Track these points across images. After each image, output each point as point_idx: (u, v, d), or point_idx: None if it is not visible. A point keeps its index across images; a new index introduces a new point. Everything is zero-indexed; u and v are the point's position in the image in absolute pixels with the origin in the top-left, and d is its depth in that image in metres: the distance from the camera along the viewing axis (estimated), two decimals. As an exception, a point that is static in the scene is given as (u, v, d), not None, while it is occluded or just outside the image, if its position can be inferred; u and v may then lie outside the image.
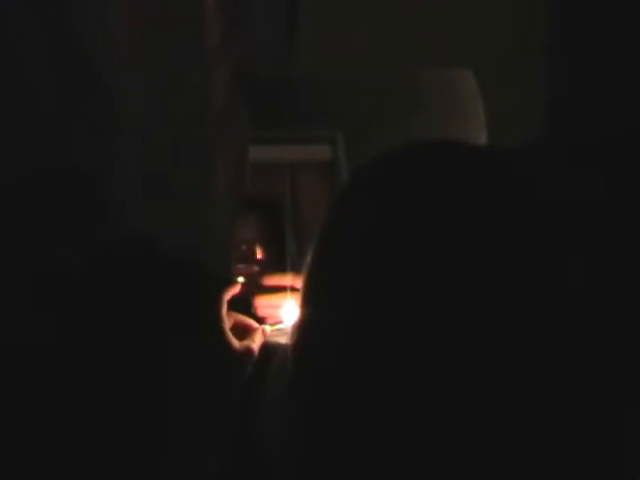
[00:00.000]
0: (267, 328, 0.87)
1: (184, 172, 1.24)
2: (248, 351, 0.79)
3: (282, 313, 0.90)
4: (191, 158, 1.25)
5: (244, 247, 1.27)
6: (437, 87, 1.29)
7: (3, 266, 1.08)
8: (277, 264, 1.20)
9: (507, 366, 0.41)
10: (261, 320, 0.91)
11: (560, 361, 0.41)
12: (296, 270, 1.14)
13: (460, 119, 1.26)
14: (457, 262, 0.42)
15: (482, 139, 1.24)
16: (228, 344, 0.79)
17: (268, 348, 0.82)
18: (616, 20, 1.34)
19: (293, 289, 0.88)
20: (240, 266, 1.19)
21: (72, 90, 1.26)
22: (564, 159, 0.47)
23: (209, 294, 0.95)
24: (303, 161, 1.29)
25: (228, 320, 0.83)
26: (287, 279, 0.87)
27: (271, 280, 0.90)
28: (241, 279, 1.13)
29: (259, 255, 1.21)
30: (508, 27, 1.34)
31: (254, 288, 1.02)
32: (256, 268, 1.19)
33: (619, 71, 1.31)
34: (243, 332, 0.84)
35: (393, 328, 0.42)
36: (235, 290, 0.87)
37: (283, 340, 0.97)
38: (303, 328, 0.49)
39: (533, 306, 0.41)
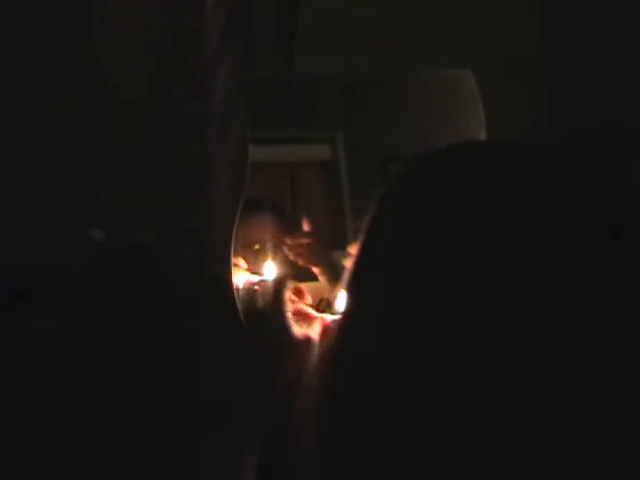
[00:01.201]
0: (326, 317, 0.87)
1: (184, 173, 1.24)
2: (309, 339, 0.79)
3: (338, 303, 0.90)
4: (191, 158, 1.25)
5: (257, 247, 1.27)
6: (437, 87, 1.29)
7: (3, 266, 1.08)
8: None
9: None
10: (320, 309, 0.92)
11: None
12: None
13: (460, 119, 1.26)
14: (503, 262, 0.42)
15: (482, 139, 1.24)
16: (291, 333, 0.78)
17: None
18: (616, 19, 1.34)
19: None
20: (289, 237, 1.19)
21: (72, 90, 1.26)
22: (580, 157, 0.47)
23: (209, 293, 0.96)
24: (303, 161, 1.29)
25: (288, 309, 0.83)
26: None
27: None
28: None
29: (306, 227, 1.21)
30: (508, 27, 1.34)
31: (305, 258, 1.07)
32: (305, 240, 1.20)
33: (619, 70, 1.31)
34: (302, 321, 0.84)
35: (442, 319, 0.42)
36: (289, 284, 0.87)
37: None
38: (352, 317, 0.49)
39: (569, 302, 0.41)
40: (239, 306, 1.14)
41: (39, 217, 1.18)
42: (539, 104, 1.33)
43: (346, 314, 0.50)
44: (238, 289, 1.17)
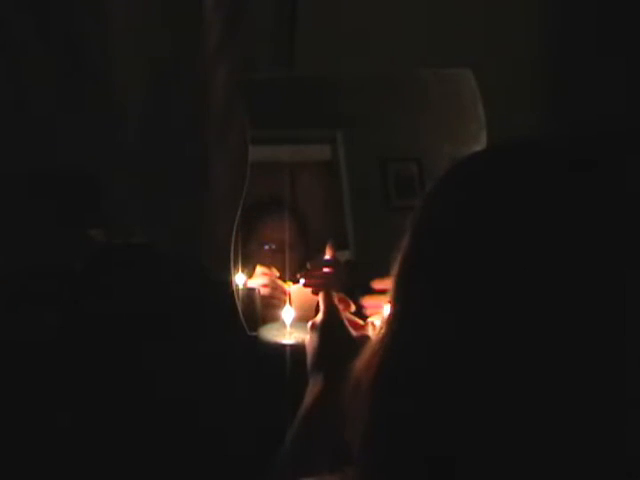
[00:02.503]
0: (375, 322, 0.88)
1: (184, 172, 1.24)
2: (366, 338, 0.80)
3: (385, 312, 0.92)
4: (191, 158, 1.25)
5: (267, 247, 1.27)
6: (437, 87, 1.29)
7: (3, 266, 1.08)
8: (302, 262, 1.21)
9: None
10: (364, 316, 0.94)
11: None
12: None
13: (460, 119, 1.26)
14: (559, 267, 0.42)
15: (482, 139, 1.24)
16: (349, 335, 0.82)
17: None
18: (616, 19, 1.34)
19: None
20: (311, 263, 1.18)
21: (72, 91, 1.26)
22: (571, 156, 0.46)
23: (210, 293, 0.96)
24: (303, 161, 1.29)
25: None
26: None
27: (378, 283, 0.92)
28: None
29: (329, 253, 1.19)
30: (508, 27, 1.34)
31: (320, 288, 1.04)
32: (326, 268, 1.17)
33: (619, 70, 1.31)
34: (352, 327, 0.86)
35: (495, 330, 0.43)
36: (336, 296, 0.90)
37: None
38: (400, 325, 0.49)
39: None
40: (239, 306, 1.14)
41: (40, 217, 1.17)
42: (539, 104, 1.33)
43: (396, 316, 0.50)
44: (238, 289, 1.17)
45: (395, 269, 0.51)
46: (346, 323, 0.85)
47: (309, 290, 1.21)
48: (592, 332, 0.41)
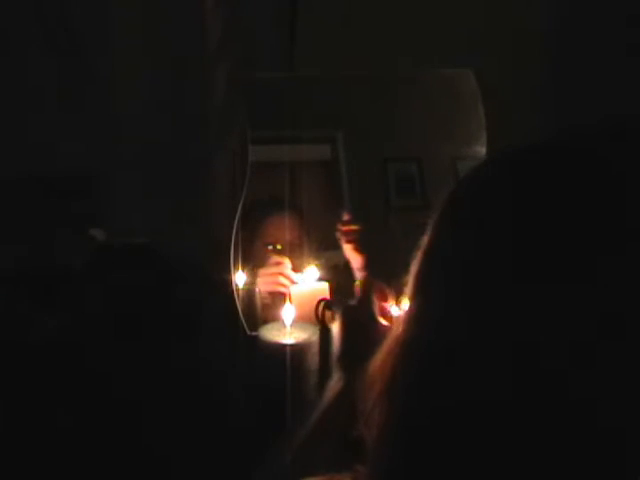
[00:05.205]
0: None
1: (184, 172, 1.24)
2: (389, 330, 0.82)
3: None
4: (191, 158, 1.25)
5: (270, 247, 1.28)
6: (437, 87, 1.29)
7: (3, 266, 1.08)
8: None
9: None
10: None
11: None
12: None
13: (460, 119, 1.26)
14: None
15: (482, 139, 1.24)
16: (377, 327, 0.84)
17: None
18: (616, 19, 1.34)
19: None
20: (341, 224, 1.30)
21: (72, 91, 1.26)
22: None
23: (210, 292, 0.96)
24: (303, 161, 1.29)
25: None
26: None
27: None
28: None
29: (346, 216, 1.29)
30: (508, 27, 1.34)
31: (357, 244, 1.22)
32: (355, 226, 1.30)
33: (620, 69, 1.31)
34: (386, 318, 0.88)
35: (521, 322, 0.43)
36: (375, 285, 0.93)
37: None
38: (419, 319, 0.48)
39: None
40: (239, 305, 1.14)
41: (40, 217, 1.17)
42: (540, 104, 1.33)
43: (416, 314, 0.49)
44: (238, 289, 1.17)
45: (415, 266, 0.50)
46: (377, 315, 0.86)
47: (309, 290, 1.22)
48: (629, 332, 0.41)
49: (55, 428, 0.96)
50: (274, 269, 1.22)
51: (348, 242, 1.27)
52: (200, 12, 1.25)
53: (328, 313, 1.14)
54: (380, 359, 0.52)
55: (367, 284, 0.91)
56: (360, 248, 1.28)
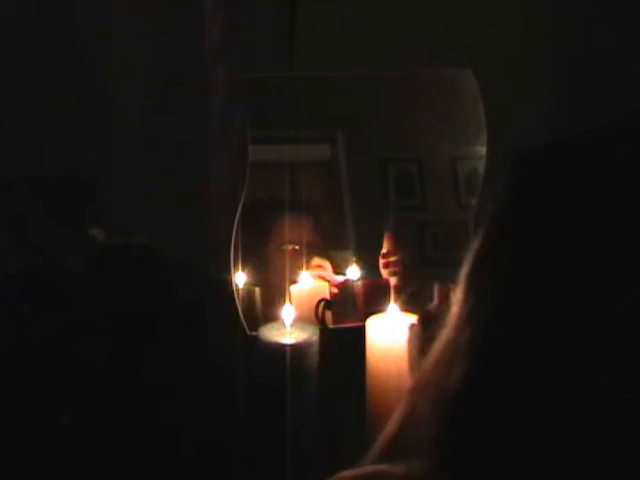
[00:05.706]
0: None
1: (184, 172, 1.24)
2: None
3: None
4: (191, 158, 1.25)
5: (284, 247, 1.27)
6: (437, 87, 1.29)
7: (4, 266, 1.08)
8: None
9: None
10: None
11: None
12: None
13: (460, 119, 1.26)
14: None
15: (482, 139, 1.24)
16: None
17: None
18: (617, 19, 1.34)
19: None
20: (383, 257, 1.27)
21: (72, 90, 1.26)
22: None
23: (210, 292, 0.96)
24: (303, 161, 1.29)
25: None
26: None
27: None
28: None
29: (387, 245, 1.26)
30: (509, 27, 1.34)
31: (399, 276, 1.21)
32: (397, 257, 1.27)
33: (620, 69, 1.31)
34: None
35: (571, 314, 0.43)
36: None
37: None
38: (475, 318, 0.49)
39: None
40: (239, 305, 1.14)
41: (40, 217, 1.17)
42: (540, 104, 1.33)
43: (467, 314, 0.49)
44: (238, 289, 1.17)
45: (466, 267, 0.51)
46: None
47: (309, 290, 1.22)
48: None
49: (55, 428, 0.96)
50: (317, 272, 1.23)
51: (390, 276, 1.25)
52: (200, 12, 1.25)
53: (328, 313, 1.14)
54: (432, 359, 0.52)
55: (443, 289, 0.88)
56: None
